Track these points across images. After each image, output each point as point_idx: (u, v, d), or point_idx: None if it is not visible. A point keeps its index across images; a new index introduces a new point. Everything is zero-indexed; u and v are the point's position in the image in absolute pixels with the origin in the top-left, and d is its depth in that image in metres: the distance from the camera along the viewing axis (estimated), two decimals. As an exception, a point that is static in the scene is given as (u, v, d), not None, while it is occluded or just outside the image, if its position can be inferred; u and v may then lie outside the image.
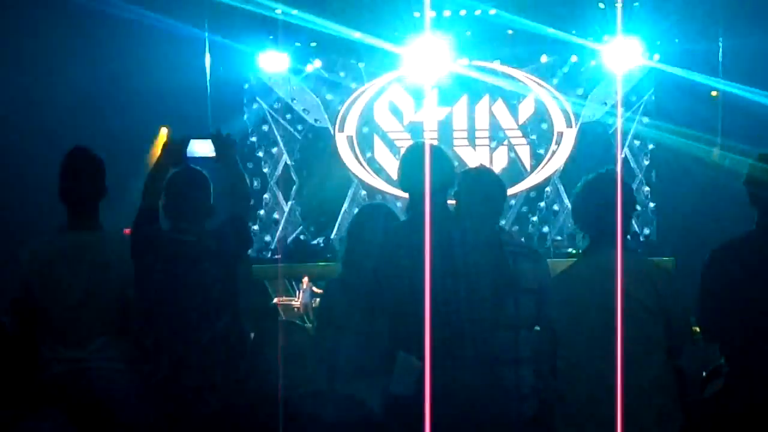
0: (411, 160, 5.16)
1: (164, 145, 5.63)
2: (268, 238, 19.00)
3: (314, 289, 15.44)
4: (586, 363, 4.48)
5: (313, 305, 14.91)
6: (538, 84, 18.70)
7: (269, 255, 18.80)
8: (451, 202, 5.47)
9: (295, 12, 16.64)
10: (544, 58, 18.44)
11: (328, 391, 4.98)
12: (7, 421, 4.79)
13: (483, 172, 6.13)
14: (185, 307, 5.22)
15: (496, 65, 18.53)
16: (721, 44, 16.01)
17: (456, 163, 5.68)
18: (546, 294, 5.29)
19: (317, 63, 18.44)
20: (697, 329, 5.05)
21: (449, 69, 18.26)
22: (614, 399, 4.35)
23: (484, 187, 5.74)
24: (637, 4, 16.56)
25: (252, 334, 5.68)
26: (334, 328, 5.25)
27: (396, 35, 17.72)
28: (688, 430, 4.79)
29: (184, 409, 5.17)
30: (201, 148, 5.56)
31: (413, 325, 4.68)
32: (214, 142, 5.60)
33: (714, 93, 16.32)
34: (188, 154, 5.55)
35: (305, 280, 15.95)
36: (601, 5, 16.63)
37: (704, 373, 6.04)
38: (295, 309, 16.06)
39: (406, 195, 5.30)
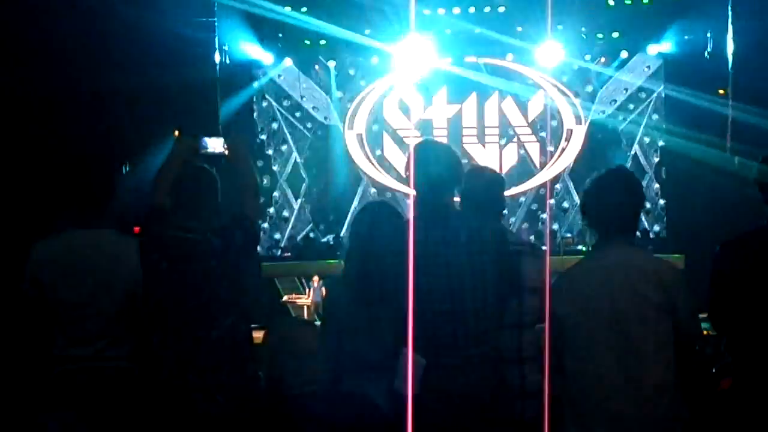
0: (419, 158, 5.15)
1: (176, 142, 5.63)
2: (278, 236, 19.04)
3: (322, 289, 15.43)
4: (593, 361, 4.48)
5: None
6: (548, 81, 18.70)
7: (279, 253, 18.83)
8: (456, 199, 5.47)
9: (304, 11, 16.68)
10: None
11: (334, 388, 4.97)
12: (18, 419, 4.81)
13: (483, 169, 6.16)
14: (192, 305, 5.22)
15: (506, 62, 18.53)
16: (730, 39, 16.00)
17: (465, 161, 5.68)
18: (550, 291, 5.30)
19: (327, 61, 18.46)
20: (707, 326, 5.04)
21: (458, 66, 18.29)
22: (622, 397, 4.35)
23: (486, 184, 5.76)
24: (646, 2, 16.56)
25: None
26: (337, 326, 5.25)
27: (405, 33, 17.75)
28: (696, 428, 4.78)
29: (190, 408, 5.17)
30: (213, 145, 5.57)
31: (418, 323, 4.68)
32: (226, 140, 5.61)
33: (722, 91, 16.29)
34: (200, 151, 5.56)
35: (315, 278, 15.98)
36: (611, 2, 16.61)
37: (713, 370, 6.04)
38: (305, 307, 16.09)
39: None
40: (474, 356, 4.84)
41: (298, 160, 19.02)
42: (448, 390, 4.74)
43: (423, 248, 4.76)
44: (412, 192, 5.18)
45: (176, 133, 5.56)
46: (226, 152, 5.60)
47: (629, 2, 16.57)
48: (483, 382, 4.87)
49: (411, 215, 5.13)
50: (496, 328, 5.05)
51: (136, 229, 5.68)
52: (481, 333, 4.89)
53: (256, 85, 18.75)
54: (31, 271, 5.59)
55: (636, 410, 4.36)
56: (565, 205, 18.83)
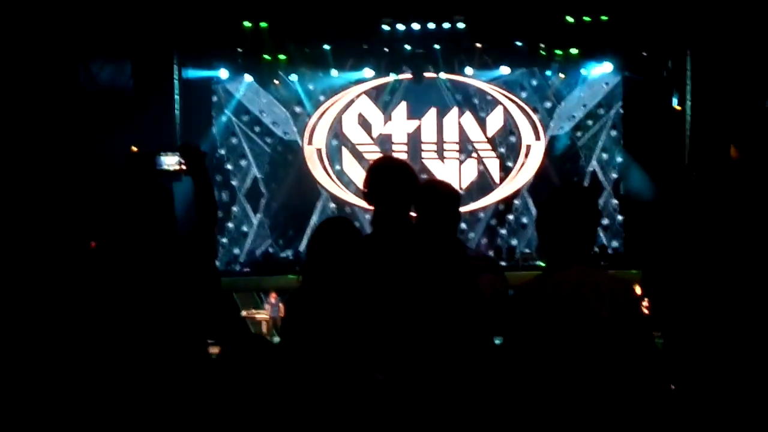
0: (377, 175, 5.17)
1: (132, 158, 5.59)
2: (237, 250, 18.98)
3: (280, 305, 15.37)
4: (548, 380, 4.47)
5: (281, 318, 14.88)
6: (507, 97, 18.77)
7: (238, 268, 18.77)
8: (413, 215, 5.49)
9: (263, 26, 16.69)
10: (513, 71, 18.46)
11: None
12: None
13: (438, 184, 6.17)
14: (147, 322, 5.19)
15: (465, 78, 18.57)
16: (689, 57, 16.14)
17: (424, 176, 5.70)
18: (505, 306, 5.32)
19: (286, 75, 18.43)
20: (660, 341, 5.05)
21: (418, 81, 18.32)
22: (577, 415, 4.34)
23: (440, 199, 5.77)
24: (605, 18, 16.62)
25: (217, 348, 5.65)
26: (296, 343, 5.23)
27: (365, 48, 17.79)
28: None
29: (146, 423, 5.13)
30: (169, 161, 5.53)
31: (378, 339, 4.68)
32: (183, 155, 5.56)
33: (678, 107, 16.44)
34: (157, 167, 5.51)
35: (273, 294, 15.93)
36: (569, 19, 16.68)
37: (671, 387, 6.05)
38: (264, 322, 16.05)
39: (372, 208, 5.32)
40: (433, 371, 4.83)
41: (257, 174, 18.98)
42: (409, 406, 4.73)
43: (382, 264, 4.77)
44: (370, 207, 5.19)
45: (133, 148, 5.50)
46: (183, 168, 5.56)
47: (588, 19, 16.63)
48: (443, 398, 4.86)
49: (369, 231, 5.14)
50: (456, 343, 5.04)
51: (92, 244, 5.63)
52: (440, 348, 4.88)
53: (215, 100, 18.70)
54: None
55: (592, 428, 4.35)
56: (524, 220, 18.89)
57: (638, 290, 10.33)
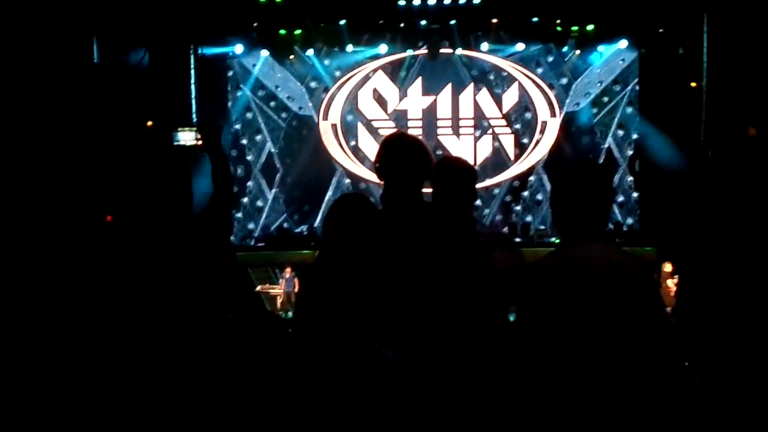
0: (389, 150, 5.19)
1: (149, 134, 5.63)
2: (251, 225, 18.99)
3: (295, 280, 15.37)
4: (563, 357, 4.47)
5: (296, 293, 14.88)
6: (523, 73, 18.72)
7: (253, 243, 18.79)
8: (428, 190, 5.50)
9: (279, 0, 16.65)
10: (528, 48, 18.41)
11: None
12: None
13: (455, 160, 6.18)
14: (164, 296, 5.21)
15: (481, 54, 18.53)
16: (705, 33, 16.05)
17: (439, 152, 5.70)
18: (519, 283, 5.32)
19: (301, 50, 18.38)
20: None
21: (434, 57, 18.30)
22: (594, 393, 4.34)
23: (457, 175, 5.78)
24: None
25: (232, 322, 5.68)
26: (311, 318, 5.24)
27: (381, 23, 17.75)
28: (672, 421, 4.79)
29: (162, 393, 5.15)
30: (186, 137, 5.56)
31: (387, 316, 4.69)
32: (200, 130, 5.59)
33: (694, 84, 16.35)
34: (174, 142, 5.54)
35: (288, 269, 15.95)
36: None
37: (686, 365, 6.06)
38: (278, 297, 16.07)
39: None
40: (440, 348, 4.84)
41: (273, 150, 18.96)
42: (416, 383, 4.74)
43: (392, 240, 4.78)
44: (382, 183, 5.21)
45: (149, 124, 5.53)
46: (199, 143, 5.58)
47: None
48: (454, 375, 4.87)
49: (381, 207, 5.16)
50: (465, 320, 5.05)
51: (108, 218, 5.66)
52: (449, 325, 4.90)
53: (230, 75, 18.69)
54: None
55: (609, 406, 4.36)
56: (539, 197, 18.85)
57: (669, 267, 10.32)
